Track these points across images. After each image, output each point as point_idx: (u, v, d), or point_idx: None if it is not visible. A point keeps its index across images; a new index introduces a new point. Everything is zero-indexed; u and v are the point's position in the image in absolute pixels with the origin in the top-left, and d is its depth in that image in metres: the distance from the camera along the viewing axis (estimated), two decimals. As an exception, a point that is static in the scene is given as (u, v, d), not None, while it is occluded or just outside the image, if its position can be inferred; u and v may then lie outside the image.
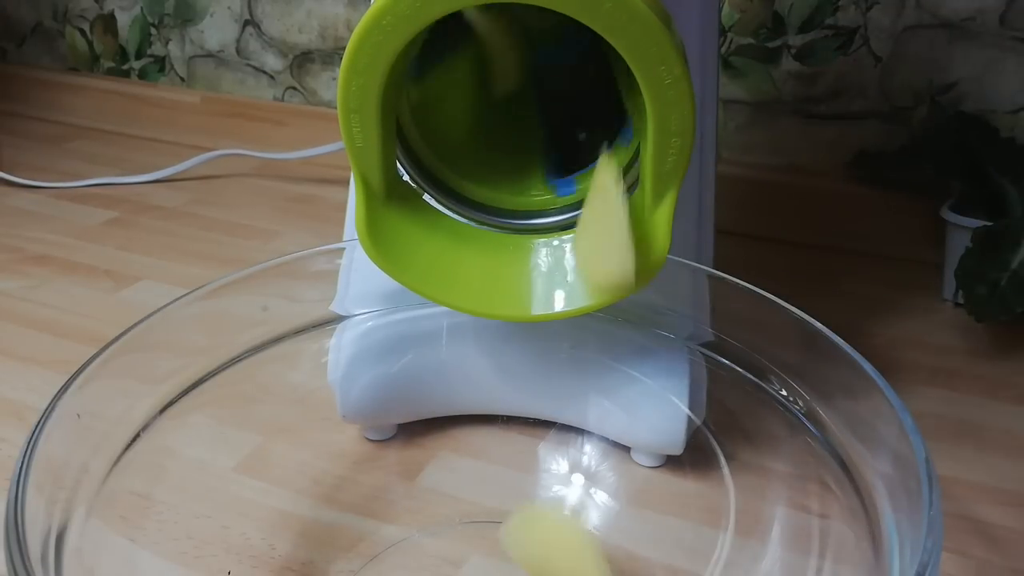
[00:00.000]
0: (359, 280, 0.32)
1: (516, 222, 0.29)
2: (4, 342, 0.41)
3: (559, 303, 0.27)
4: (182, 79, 0.75)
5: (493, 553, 0.29)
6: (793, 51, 0.54)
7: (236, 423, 0.32)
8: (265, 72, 0.71)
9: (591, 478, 0.32)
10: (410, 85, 0.27)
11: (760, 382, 0.29)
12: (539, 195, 0.29)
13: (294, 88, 0.71)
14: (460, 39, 0.29)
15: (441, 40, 0.28)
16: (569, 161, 0.30)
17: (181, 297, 0.28)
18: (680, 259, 0.29)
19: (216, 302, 0.30)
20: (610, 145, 0.29)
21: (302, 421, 0.33)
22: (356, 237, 0.27)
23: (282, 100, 0.72)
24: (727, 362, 0.30)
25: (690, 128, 0.23)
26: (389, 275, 0.27)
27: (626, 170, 0.27)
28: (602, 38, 0.22)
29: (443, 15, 0.22)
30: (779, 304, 0.28)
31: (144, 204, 0.59)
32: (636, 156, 0.26)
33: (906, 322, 0.45)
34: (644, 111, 0.23)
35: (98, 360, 0.25)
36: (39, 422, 0.22)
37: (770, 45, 0.54)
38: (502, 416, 0.34)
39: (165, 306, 0.28)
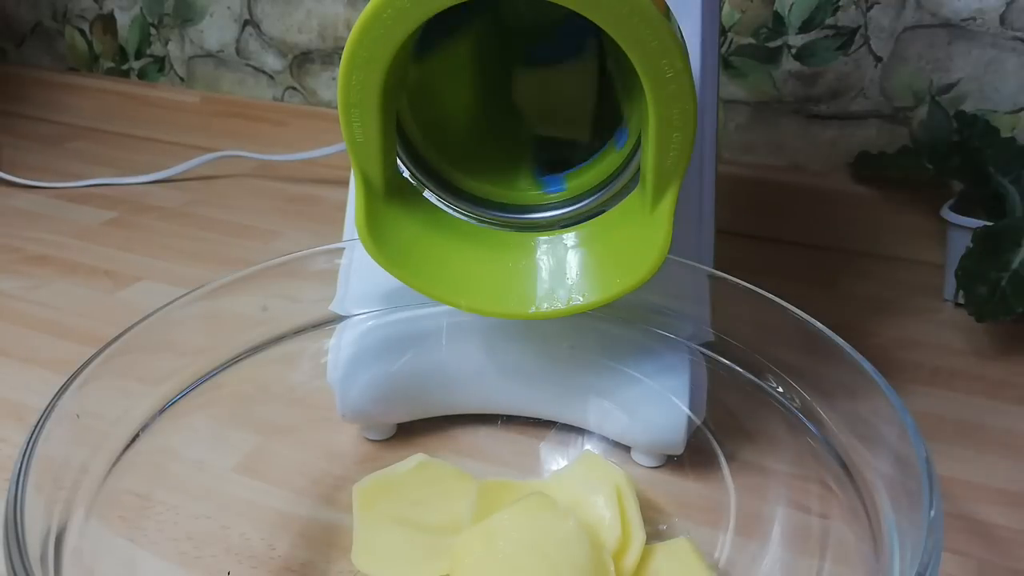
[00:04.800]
0: (359, 280, 0.32)
1: (517, 217, 0.29)
2: (4, 342, 0.41)
3: (559, 301, 0.27)
4: (182, 79, 0.75)
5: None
6: (793, 51, 0.54)
7: (235, 423, 0.32)
8: (265, 72, 0.71)
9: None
10: (412, 70, 0.27)
11: (760, 382, 0.29)
12: (539, 190, 0.29)
13: (294, 88, 0.71)
14: (461, 32, 0.29)
15: (442, 31, 0.28)
16: (559, 159, 0.30)
17: (181, 297, 0.28)
18: (680, 259, 0.29)
19: (216, 302, 0.30)
20: (604, 146, 0.29)
21: (302, 421, 0.33)
22: (356, 237, 0.27)
23: (282, 100, 0.72)
24: (727, 362, 0.30)
25: (691, 122, 0.23)
26: (388, 272, 0.27)
27: (625, 165, 0.27)
28: (599, 37, 0.22)
29: (443, 8, 0.22)
30: (779, 304, 0.28)
31: (144, 204, 0.59)
32: (636, 151, 0.26)
33: (906, 322, 0.45)
34: (645, 107, 0.23)
35: (98, 360, 0.25)
36: (39, 422, 0.22)
37: (770, 45, 0.54)
38: (502, 416, 0.34)
39: (165, 306, 0.28)
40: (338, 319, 0.33)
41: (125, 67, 0.78)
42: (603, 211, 0.28)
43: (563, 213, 0.28)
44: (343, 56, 0.23)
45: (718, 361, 0.30)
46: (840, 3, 0.52)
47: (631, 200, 0.27)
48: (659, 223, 0.25)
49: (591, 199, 0.28)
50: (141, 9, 0.74)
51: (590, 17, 0.21)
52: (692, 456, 0.31)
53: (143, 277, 0.48)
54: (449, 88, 0.30)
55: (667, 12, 0.22)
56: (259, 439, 0.32)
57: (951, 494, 0.32)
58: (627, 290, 0.26)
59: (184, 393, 0.28)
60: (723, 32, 0.55)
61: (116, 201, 0.59)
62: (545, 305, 0.27)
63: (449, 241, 0.28)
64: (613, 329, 0.31)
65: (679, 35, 0.22)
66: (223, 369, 0.30)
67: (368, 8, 0.22)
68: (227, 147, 0.65)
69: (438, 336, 0.32)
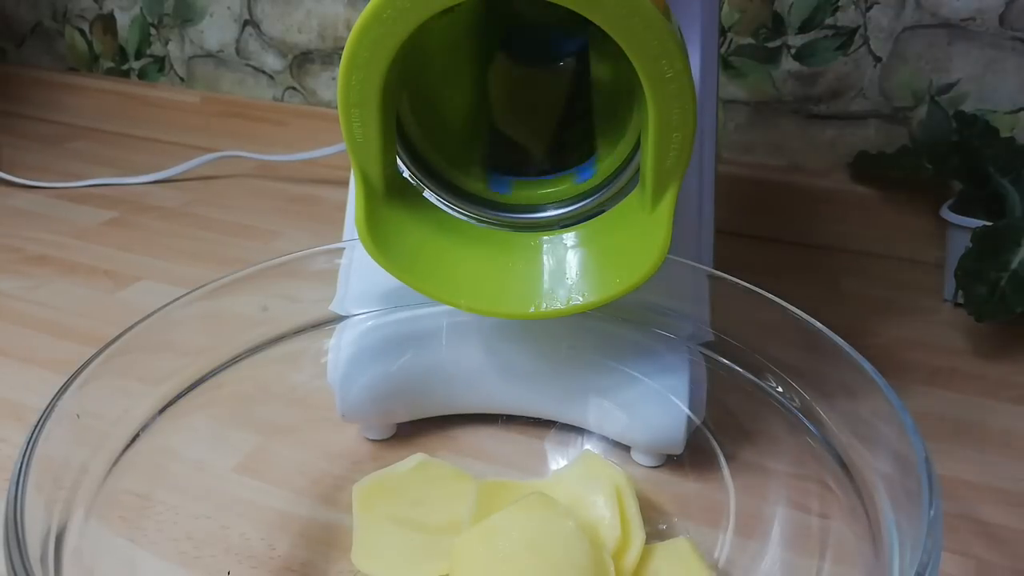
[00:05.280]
0: (359, 280, 0.32)
1: (516, 217, 0.29)
2: (4, 342, 0.41)
3: (559, 301, 0.27)
4: (182, 79, 0.75)
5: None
6: (793, 51, 0.54)
7: (236, 423, 0.32)
8: (265, 72, 0.71)
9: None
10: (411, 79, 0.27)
11: (760, 382, 0.29)
12: (539, 190, 0.29)
13: (294, 88, 0.71)
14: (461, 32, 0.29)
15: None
16: (513, 163, 0.30)
17: (181, 297, 0.28)
18: (680, 259, 0.29)
19: (216, 302, 0.30)
20: (560, 172, 0.29)
21: (302, 421, 0.33)
22: (356, 237, 0.27)
23: (281, 100, 0.72)
24: (727, 362, 0.30)
25: (691, 122, 0.23)
26: (389, 272, 0.27)
27: (624, 166, 0.27)
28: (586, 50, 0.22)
29: (443, 8, 0.22)
30: (779, 304, 0.28)
31: (144, 204, 0.59)
32: (635, 151, 0.26)
33: (906, 322, 0.45)
34: (644, 107, 0.23)
35: (98, 360, 0.25)
36: (39, 422, 0.22)
37: (770, 45, 0.54)
38: (502, 416, 0.34)
39: (165, 306, 0.28)
40: (338, 319, 0.33)
41: (125, 67, 0.78)
42: (603, 211, 0.28)
43: (563, 213, 0.28)
44: (343, 56, 0.23)
45: (718, 361, 0.30)
46: (840, 3, 0.52)
47: (631, 200, 0.27)
48: (659, 223, 0.25)
49: (591, 199, 0.28)
50: (141, 9, 0.74)
51: (590, 17, 0.21)
52: (692, 456, 0.31)
53: (143, 277, 0.48)
54: (449, 88, 0.30)
55: (667, 12, 0.22)
56: (259, 439, 0.32)
57: (951, 494, 0.32)
58: (627, 290, 0.26)
59: (184, 393, 0.28)
60: (723, 32, 0.55)
61: (116, 201, 0.59)
62: (545, 305, 0.27)
63: (449, 241, 0.28)
64: (613, 329, 0.31)
65: (679, 35, 0.22)
66: (223, 369, 0.30)
67: (368, 8, 0.22)
68: (227, 147, 0.65)
69: (438, 336, 0.32)
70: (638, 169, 0.26)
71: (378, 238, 0.27)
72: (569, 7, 0.21)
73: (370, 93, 0.24)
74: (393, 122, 0.26)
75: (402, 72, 0.25)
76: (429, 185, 0.28)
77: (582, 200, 0.28)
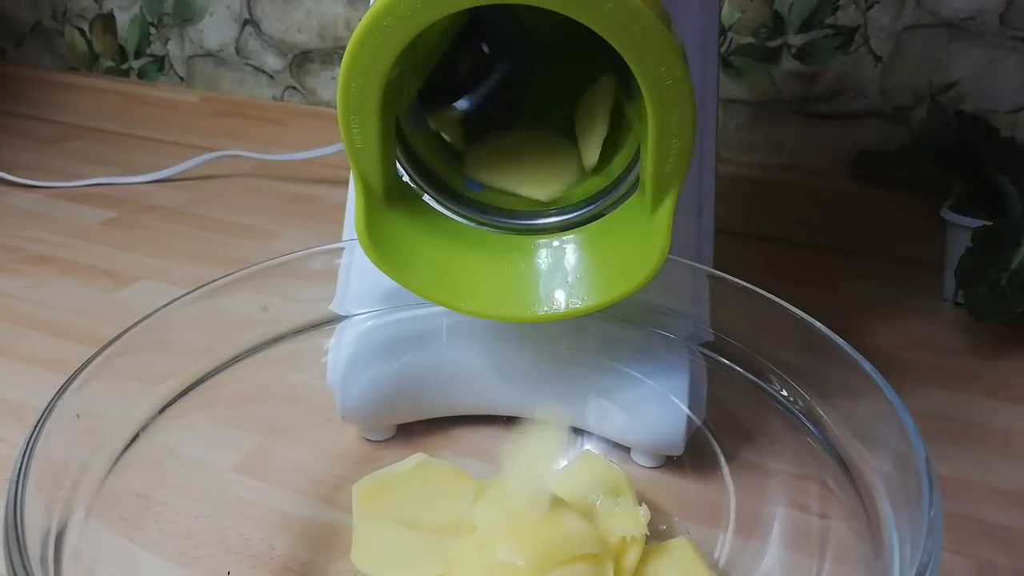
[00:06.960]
0: (359, 280, 0.32)
1: (516, 222, 0.29)
2: (4, 342, 0.41)
3: (559, 304, 0.27)
4: (181, 79, 0.75)
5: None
6: (793, 50, 0.54)
7: (236, 423, 0.32)
8: (264, 72, 0.71)
9: (591, 478, 0.32)
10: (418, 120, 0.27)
11: (760, 382, 0.29)
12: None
13: (293, 88, 0.71)
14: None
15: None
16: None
17: (181, 297, 0.28)
18: (680, 259, 0.29)
19: (216, 302, 0.30)
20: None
21: (302, 421, 0.33)
22: (356, 237, 0.27)
23: (281, 100, 0.72)
24: (727, 362, 0.30)
25: (691, 129, 0.23)
26: (389, 276, 0.27)
27: (626, 172, 0.27)
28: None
29: (443, 16, 0.22)
30: (779, 304, 0.28)
31: (144, 204, 0.59)
32: (636, 158, 0.26)
33: (906, 322, 0.45)
34: (644, 113, 0.23)
35: (97, 360, 0.25)
36: (38, 422, 0.22)
37: (770, 44, 0.54)
38: (502, 416, 0.34)
39: (165, 306, 0.28)
40: (338, 319, 0.33)
41: (125, 67, 0.78)
42: (604, 215, 0.28)
43: (564, 219, 0.28)
44: (343, 63, 0.23)
45: (718, 361, 0.30)
46: (840, 3, 0.52)
47: (631, 204, 0.27)
48: (658, 227, 0.25)
49: (593, 206, 0.28)
50: (141, 8, 0.74)
51: (590, 25, 0.21)
52: (692, 456, 0.31)
53: (143, 277, 0.48)
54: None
55: (666, 19, 0.22)
56: (259, 439, 0.32)
57: (951, 494, 0.32)
58: (626, 294, 0.26)
59: (184, 393, 0.28)
60: (723, 32, 0.55)
61: (116, 201, 0.59)
62: (545, 308, 0.27)
63: (449, 244, 0.28)
64: (613, 329, 0.31)
65: (679, 42, 0.22)
66: (223, 369, 0.30)
67: (368, 15, 0.22)
68: (227, 147, 0.65)
69: (438, 337, 0.32)
70: (639, 177, 0.26)
71: (378, 242, 0.27)
72: (569, 15, 0.21)
73: (369, 100, 0.24)
74: (393, 127, 0.26)
75: (402, 77, 0.25)
76: (429, 189, 0.28)
77: (584, 207, 0.28)
